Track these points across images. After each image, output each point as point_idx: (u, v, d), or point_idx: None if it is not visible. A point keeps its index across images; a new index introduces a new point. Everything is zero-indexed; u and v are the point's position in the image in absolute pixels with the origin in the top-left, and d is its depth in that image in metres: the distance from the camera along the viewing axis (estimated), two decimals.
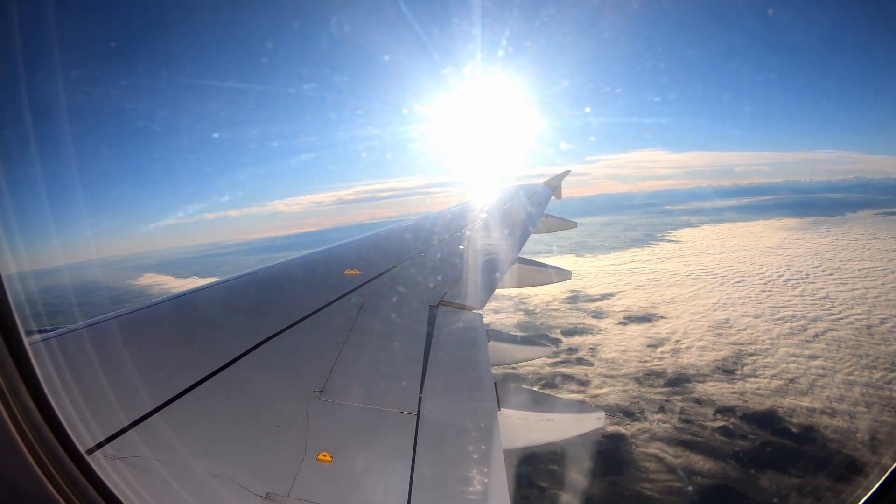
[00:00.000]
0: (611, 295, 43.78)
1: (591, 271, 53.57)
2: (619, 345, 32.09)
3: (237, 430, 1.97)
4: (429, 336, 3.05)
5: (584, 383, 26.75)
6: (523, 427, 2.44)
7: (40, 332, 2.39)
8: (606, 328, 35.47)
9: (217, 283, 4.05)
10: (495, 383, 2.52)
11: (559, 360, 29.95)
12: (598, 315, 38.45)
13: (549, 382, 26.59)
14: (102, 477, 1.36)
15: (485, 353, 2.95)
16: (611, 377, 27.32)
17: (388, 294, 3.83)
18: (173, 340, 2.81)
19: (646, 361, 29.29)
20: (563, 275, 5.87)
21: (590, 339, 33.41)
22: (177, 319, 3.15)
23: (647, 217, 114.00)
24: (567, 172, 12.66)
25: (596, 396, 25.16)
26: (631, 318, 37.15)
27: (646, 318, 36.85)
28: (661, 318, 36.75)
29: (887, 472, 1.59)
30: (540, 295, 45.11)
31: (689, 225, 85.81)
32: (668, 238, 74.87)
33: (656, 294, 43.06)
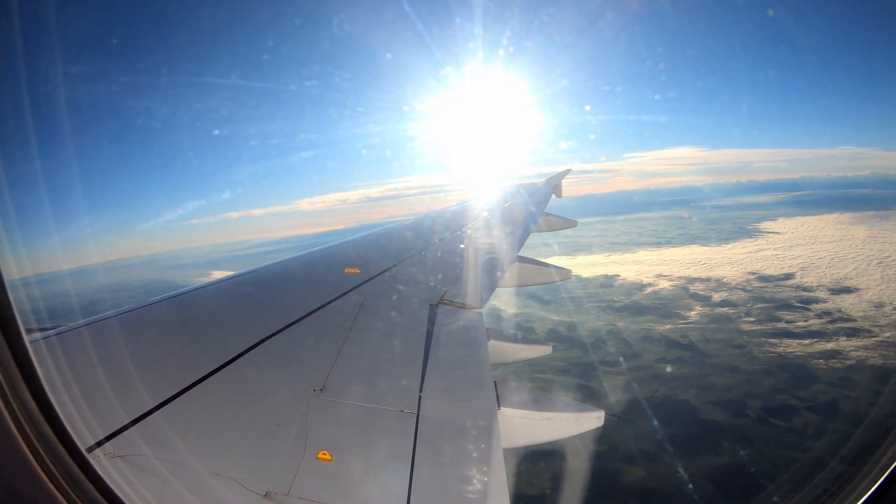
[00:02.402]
0: (790, 276, 58.38)
1: (742, 258, 67.58)
2: (853, 307, 46.17)
3: (237, 429, 1.99)
4: (429, 335, 3.11)
5: (868, 332, 40.87)
6: (523, 426, 2.48)
7: (41, 329, 2.40)
8: (826, 298, 49.60)
9: (217, 282, 4.09)
10: (495, 382, 2.57)
11: (828, 320, 43.83)
12: (805, 289, 52.94)
13: (848, 334, 40.29)
14: (102, 475, 1.38)
15: (485, 352, 3.03)
16: (883, 327, 41.82)
17: (388, 293, 3.90)
18: (173, 339, 2.83)
19: (890, 315, 44.05)
20: (563, 273, 5.91)
21: (825, 306, 47.10)
22: (177, 318, 3.17)
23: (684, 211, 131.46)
24: (567, 171, 13.08)
25: (888, 337, 39.46)
26: (833, 290, 51.22)
27: (847, 290, 51.20)
28: (857, 289, 51.37)
29: (887, 471, 1.62)
30: (728, 277, 59.52)
31: (767, 218, 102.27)
32: (762, 230, 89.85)
33: (827, 273, 57.75)
